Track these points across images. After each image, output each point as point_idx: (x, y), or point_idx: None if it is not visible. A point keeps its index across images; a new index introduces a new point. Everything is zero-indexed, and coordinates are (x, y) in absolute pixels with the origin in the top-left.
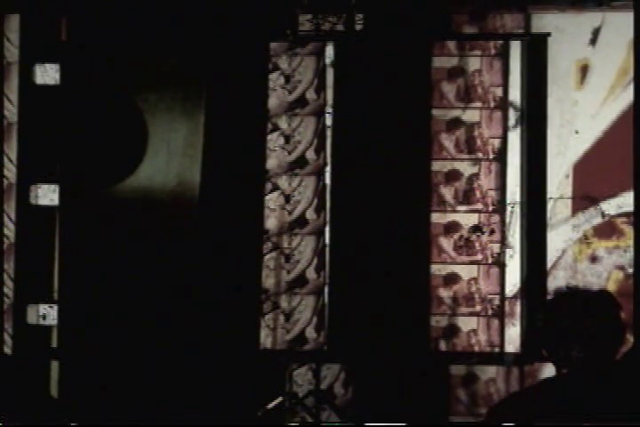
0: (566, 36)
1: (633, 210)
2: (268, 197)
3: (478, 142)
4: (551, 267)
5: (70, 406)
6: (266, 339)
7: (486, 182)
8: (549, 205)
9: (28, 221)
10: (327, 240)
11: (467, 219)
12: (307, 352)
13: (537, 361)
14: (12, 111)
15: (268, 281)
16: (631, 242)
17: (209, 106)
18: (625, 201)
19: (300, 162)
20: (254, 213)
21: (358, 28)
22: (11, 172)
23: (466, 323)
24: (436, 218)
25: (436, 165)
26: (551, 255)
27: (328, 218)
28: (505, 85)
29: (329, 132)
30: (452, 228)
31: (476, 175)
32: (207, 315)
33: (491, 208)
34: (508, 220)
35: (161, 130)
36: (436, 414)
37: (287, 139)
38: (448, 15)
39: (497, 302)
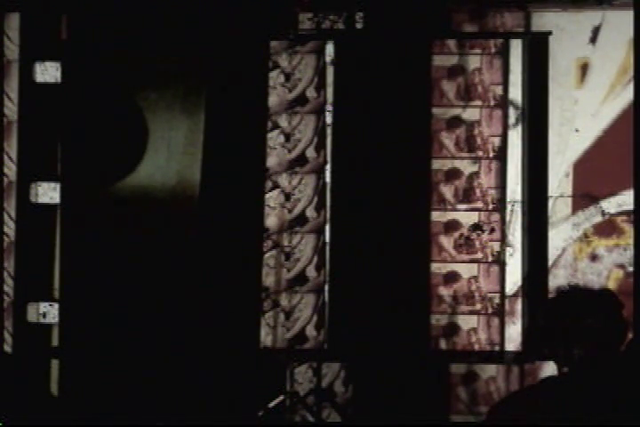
0: (566, 34)
1: (633, 208)
2: (268, 196)
3: (478, 141)
4: (551, 265)
5: (70, 405)
6: (266, 337)
7: (486, 181)
8: (550, 204)
9: (28, 219)
10: (327, 238)
11: (467, 217)
12: (307, 351)
13: (537, 360)
14: (12, 109)
15: (268, 279)
16: (631, 240)
17: (209, 104)
18: (625, 199)
19: (301, 160)
20: (254, 211)
21: (358, 26)
22: (11, 170)
23: (466, 321)
24: (437, 216)
25: (437, 164)
26: (551, 254)
27: (328, 216)
28: (505, 84)
29: (329, 131)
30: (452, 226)
31: (477, 174)
32: (207, 313)
33: (491, 207)
34: (508, 218)
35: (161, 128)
36: (437, 412)
37: (287, 137)
38: (448, 13)
39: (497, 300)
